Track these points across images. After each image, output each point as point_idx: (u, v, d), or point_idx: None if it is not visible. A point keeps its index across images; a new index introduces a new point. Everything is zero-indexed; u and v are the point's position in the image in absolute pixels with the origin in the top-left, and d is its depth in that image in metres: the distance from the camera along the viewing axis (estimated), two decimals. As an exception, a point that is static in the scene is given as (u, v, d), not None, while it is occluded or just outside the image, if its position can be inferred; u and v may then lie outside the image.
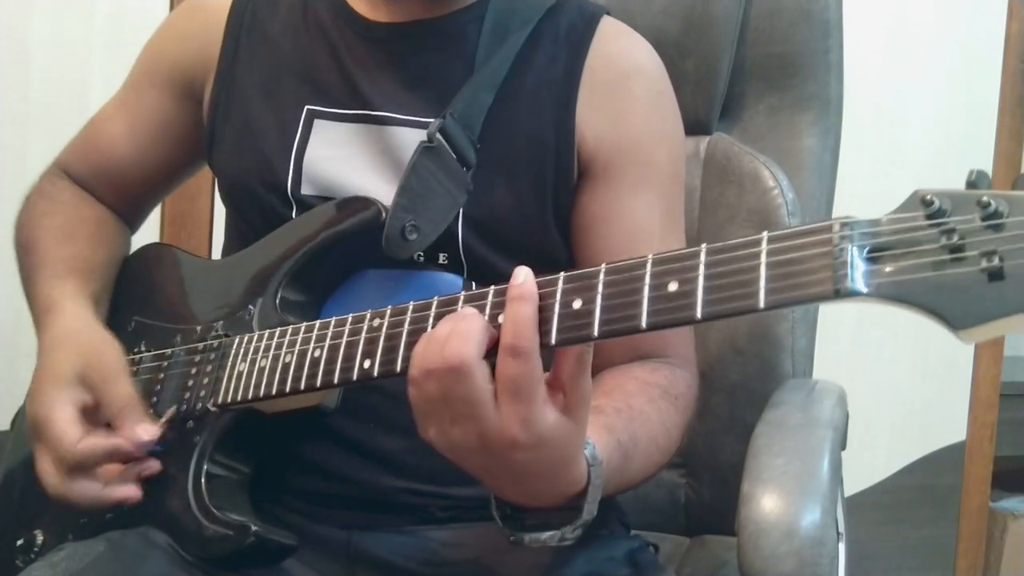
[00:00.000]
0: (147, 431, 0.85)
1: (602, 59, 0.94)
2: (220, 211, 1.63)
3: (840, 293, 0.55)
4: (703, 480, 1.17)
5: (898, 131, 2.02)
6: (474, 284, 0.90)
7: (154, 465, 0.86)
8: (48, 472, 0.86)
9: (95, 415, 0.87)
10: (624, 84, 0.95)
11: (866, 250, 0.55)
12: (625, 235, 0.92)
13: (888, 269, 0.54)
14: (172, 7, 1.61)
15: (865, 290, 0.55)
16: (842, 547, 1.06)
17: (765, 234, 0.59)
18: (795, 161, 1.20)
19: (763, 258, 0.58)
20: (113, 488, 0.85)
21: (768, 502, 0.81)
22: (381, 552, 0.90)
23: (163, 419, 0.88)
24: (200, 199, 1.63)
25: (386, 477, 0.89)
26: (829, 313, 1.51)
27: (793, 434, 0.92)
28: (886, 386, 2.07)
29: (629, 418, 0.81)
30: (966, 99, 2.06)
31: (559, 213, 0.93)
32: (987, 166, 2.07)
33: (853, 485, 2.01)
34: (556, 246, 0.94)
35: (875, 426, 1.96)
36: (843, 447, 1.09)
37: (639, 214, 0.93)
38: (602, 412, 0.78)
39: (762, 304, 0.58)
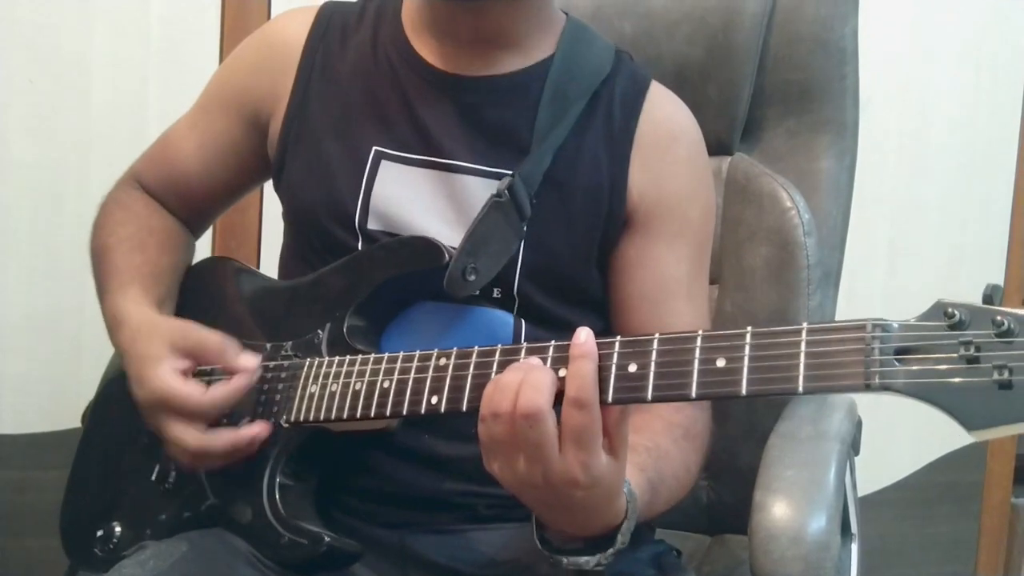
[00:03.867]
0: (252, 356, 0.93)
1: (651, 123, 1.02)
2: (268, 223, 1.71)
3: (870, 387, 0.63)
4: (724, 483, 1.22)
5: (921, 138, 2.02)
6: (523, 321, 0.98)
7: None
8: (185, 435, 0.91)
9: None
10: (670, 146, 1.02)
11: (893, 350, 0.63)
12: (656, 280, 1.00)
13: (912, 370, 0.62)
14: (223, 33, 1.68)
15: (892, 387, 0.63)
16: (854, 547, 1.12)
17: (805, 325, 0.67)
18: (812, 182, 1.25)
19: (803, 347, 0.66)
20: (247, 427, 0.92)
21: (778, 510, 0.88)
22: (430, 553, 0.96)
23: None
24: (249, 212, 1.71)
25: (438, 480, 0.96)
26: (848, 313, 1.55)
27: (802, 446, 0.98)
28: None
29: (657, 457, 0.88)
30: (989, 105, 2.05)
31: (601, 256, 1.00)
32: (1010, 173, 2.07)
33: (876, 482, 2.04)
34: (596, 285, 1.01)
35: (898, 423, 1.94)
36: (856, 453, 1.14)
37: (670, 264, 1.01)
38: (634, 450, 0.84)
39: (801, 389, 0.65)
